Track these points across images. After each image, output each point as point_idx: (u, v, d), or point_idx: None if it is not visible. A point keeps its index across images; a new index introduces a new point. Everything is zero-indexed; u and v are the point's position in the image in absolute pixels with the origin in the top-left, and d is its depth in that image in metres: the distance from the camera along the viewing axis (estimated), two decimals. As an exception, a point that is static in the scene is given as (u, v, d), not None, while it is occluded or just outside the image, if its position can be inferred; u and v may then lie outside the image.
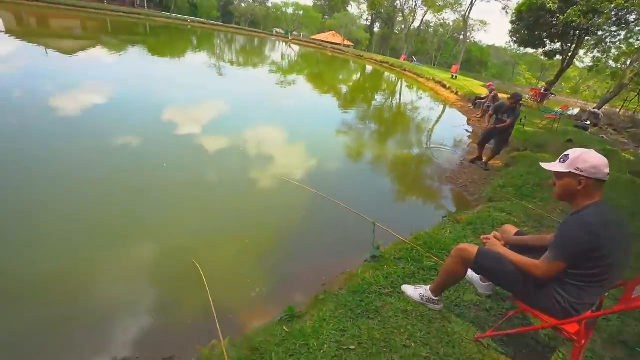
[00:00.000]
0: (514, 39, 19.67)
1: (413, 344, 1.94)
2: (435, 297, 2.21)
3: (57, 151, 4.42)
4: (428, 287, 2.27)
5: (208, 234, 3.35)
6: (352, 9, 59.96)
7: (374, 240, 2.87)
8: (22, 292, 2.49)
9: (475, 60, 56.16)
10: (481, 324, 2.17)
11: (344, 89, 16.13)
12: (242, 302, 2.59)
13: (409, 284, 2.43)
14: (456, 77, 23.28)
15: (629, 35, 16.33)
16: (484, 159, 6.35)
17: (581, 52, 19.49)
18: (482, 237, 2.13)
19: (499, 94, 10.54)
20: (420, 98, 17.22)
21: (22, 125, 5.06)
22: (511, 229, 2.19)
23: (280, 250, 3.23)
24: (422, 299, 2.25)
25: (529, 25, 17.51)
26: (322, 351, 1.84)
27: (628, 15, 14.60)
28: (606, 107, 18.41)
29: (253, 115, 7.61)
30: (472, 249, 1.94)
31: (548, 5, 15.46)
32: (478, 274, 2.26)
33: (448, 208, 4.62)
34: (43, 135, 4.82)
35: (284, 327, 2.05)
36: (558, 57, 19.12)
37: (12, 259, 2.76)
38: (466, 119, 11.66)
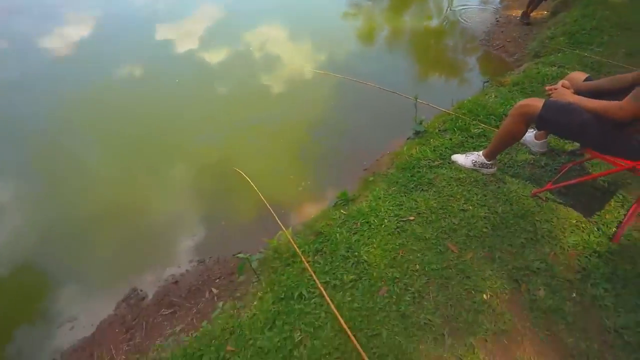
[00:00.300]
0: None
1: (470, 207, 1.96)
2: (489, 161, 2.14)
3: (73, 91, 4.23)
4: (480, 152, 2.18)
5: (242, 140, 3.32)
6: None
7: (416, 115, 2.71)
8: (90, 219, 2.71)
9: None
10: (537, 180, 2.13)
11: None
12: (293, 197, 2.68)
13: (459, 153, 2.35)
14: None
15: None
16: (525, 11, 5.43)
17: None
18: (546, 87, 1.90)
19: None
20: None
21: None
22: (580, 75, 1.93)
23: (317, 143, 3.19)
24: (474, 165, 2.19)
25: None
26: (383, 226, 1.92)
27: None
28: None
29: (252, 14, 6.70)
30: (537, 102, 1.75)
31: None
32: (542, 129, 2.12)
33: (488, 73, 4.20)
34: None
35: (342, 211, 2.12)
36: None
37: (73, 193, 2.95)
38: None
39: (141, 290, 2.37)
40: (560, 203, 1.96)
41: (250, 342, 1.49)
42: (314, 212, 2.42)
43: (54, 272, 2.46)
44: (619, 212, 1.89)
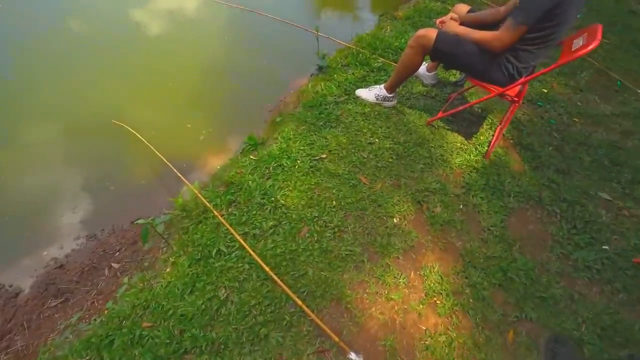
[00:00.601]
0: None
1: (377, 140, 2.06)
2: (390, 93, 2.23)
3: None
4: (382, 85, 2.24)
5: (122, 89, 2.70)
6: None
7: (319, 50, 2.58)
8: None
9: None
10: (430, 110, 2.33)
11: None
12: (194, 148, 2.37)
13: (362, 87, 2.38)
14: None
15: None
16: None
17: None
18: (437, 21, 1.98)
19: None
20: None
21: None
22: (463, 8, 2.05)
23: (214, 86, 2.81)
24: (377, 98, 2.26)
25: None
26: (296, 167, 1.87)
27: None
28: None
29: None
30: (431, 33, 1.81)
31: None
32: (436, 60, 2.25)
33: (383, 7, 4.22)
34: None
35: (251, 157, 1.98)
36: None
37: None
38: None
39: (11, 286, 1.89)
40: (448, 129, 2.21)
41: (170, 312, 1.35)
42: (220, 162, 2.20)
43: None
44: (489, 134, 2.23)
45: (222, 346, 1.25)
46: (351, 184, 1.80)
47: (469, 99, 2.47)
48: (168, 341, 1.27)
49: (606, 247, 1.66)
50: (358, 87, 2.38)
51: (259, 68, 3.02)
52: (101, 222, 2.08)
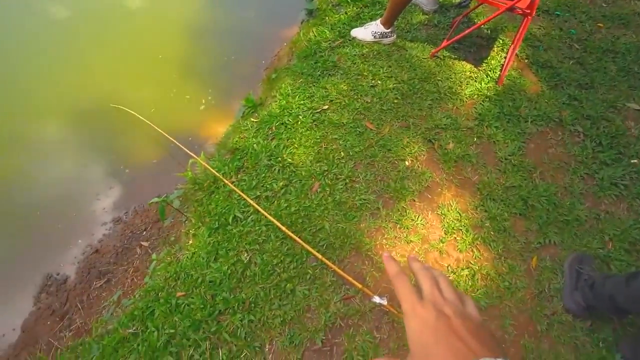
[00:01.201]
0: None
1: (379, 82, 1.94)
2: (387, 29, 2.05)
3: None
4: (378, 21, 2.06)
5: (111, 70, 2.61)
6: None
7: (304, -8, 2.37)
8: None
9: None
10: (433, 40, 2.15)
11: None
12: (196, 120, 2.33)
13: (357, 27, 2.20)
14: None
15: None
16: None
17: None
18: None
19: None
20: None
21: None
22: None
23: (203, 51, 2.68)
24: (374, 36, 2.09)
25: None
26: (299, 123, 1.81)
27: None
28: None
29: None
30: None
31: None
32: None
33: None
34: None
35: (252, 119, 1.92)
36: None
37: None
38: None
39: (58, 274, 2.04)
40: (455, 59, 2.04)
41: (199, 280, 1.42)
42: (223, 129, 2.17)
43: None
44: (500, 56, 2.05)
45: (253, 304, 1.32)
46: (357, 132, 1.74)
47: (475, 20, 2.25)
48: (202, 306, 1.35)
49: (635, 160, 1.56)
50: (353, 27, 2.20)
51: (246, 24, 2.83)
52: (124, 205, 2.15)
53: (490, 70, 1.97)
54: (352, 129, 1.75)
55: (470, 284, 1.30)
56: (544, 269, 1.33)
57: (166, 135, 2.05)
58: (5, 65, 2.67)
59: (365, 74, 1.97)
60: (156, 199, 1.58)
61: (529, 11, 1.67)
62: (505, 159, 1.63)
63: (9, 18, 2.92)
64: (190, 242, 1.57)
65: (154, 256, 1.69)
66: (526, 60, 2.01)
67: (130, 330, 1.37)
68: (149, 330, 1.35)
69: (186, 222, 1.77)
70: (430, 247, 1.40)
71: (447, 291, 0.34)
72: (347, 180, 1.58)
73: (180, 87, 2.49)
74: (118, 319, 1.46)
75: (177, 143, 2.01)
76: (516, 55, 2.00)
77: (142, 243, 2.06)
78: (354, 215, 1.49)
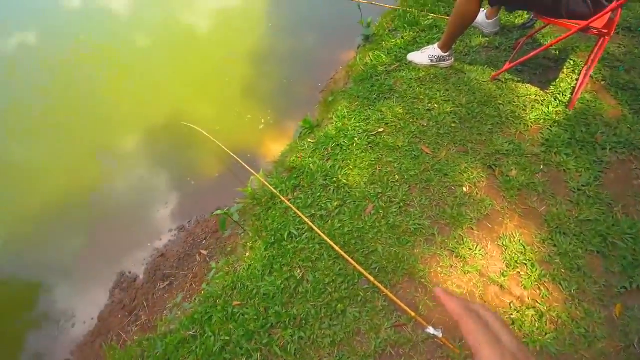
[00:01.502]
0: None
1: (436, 105, 1.92)
2: (445, 52, 2.04)
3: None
4: (435, 45, 2.06)
5: (182, 90, 2.93)
6: None
7: (362, 18, 2.46)
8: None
9: None
10: (494, 62, 2.09)
11: None
12: (255, 138, 2.50)
13: (413, 51, 2.22)
14: None
15: None
16: None
17: None
18: None
19: None
20: None
21: None
22: None
23: (264, 74, 2.89)
24: (431, 60, 2.09)
25: None
26: (354, 145, 1.86)
27: None
28: None
29: None
30: (489, -28, 1.59)
31: None
32: (495, 4, 1.99)
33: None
34: None
35: (309, 140, 2.01)
36: None
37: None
38: None
39: (130, 272, 2.28)
40: (518, 81, 1.96)
41: (254, 291, 1.49)
42: (281, 148, 2.29)
43: (35, 274, 2.29)
44: (571, 78, 1.93)
45: (304, 321, 1.35)
46: (413, 156, 1.73)
47: (541, 41, 2.15)
48: (256, 317, 1.41)
49: None
50: (409, 52, 2.23)
51: (304, 50, 3.01)
52: (187, 214, 2.35)
53: (559, 94, 1.86)
54: (408, 153, 1.75)
55: (537, 326, 1.20)
56: (632, 319, 1.18)
57: (228, 151, 2.22)
58: (93, 86, 3.11)
59: (421, 97, 1.97)
60: (219, 211, 1.71)
61: (606, 31, 1.56)
62: (579, 190, 1.51)
63: (98, 44, 3.40)
64: (247, 254, 1.66)
65: (213, 265, 1.81)
66: (603, 82, 1.86)
67: (190, 332, 1.48)
68: (206, 335, 1.44)
69: (243, 234, 1.88)
70: (490, 280, 1.33)
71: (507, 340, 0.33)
72: (402, 204, 1.57)
73: (242, 107, 2.69)
74: (180, 320, 1.58)
75: (239, 160, 2.16)
76: (590, 76, 1.87)
77: (202, 251, 2.22)
78: (408, 240, 1.47)
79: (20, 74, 3.31)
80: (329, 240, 1.50)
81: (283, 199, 1.72)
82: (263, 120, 2.54)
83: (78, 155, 2.71)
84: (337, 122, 2.00)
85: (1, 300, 2.27)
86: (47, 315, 2.18)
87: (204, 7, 3.71)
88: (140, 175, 2.62)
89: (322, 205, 1.66)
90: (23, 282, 2.33)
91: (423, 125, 1.84)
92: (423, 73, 2.09)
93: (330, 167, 1.79)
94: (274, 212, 1.75)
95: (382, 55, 2.29)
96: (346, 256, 1.45)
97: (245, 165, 2.06)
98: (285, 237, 1.60)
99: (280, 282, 1.47)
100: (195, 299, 1.69)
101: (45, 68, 3.32)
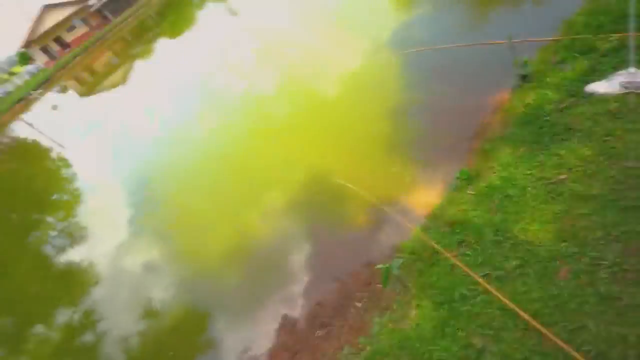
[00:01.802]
0: None
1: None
2: (646, 76, 1.66)
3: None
4: (631, 69, 1.71)
5: (328, 148, 3.32)
6: None
7: (515, 58, 2.29)
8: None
9: None
10: None
11: None
12: (404, 191, 2.53)
13: (594, 81, 1.89)
14: None
15: None
16: None
17: None
18: None
19: None
20: None
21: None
22: None
23: (407, 126, 2.98)
24: (626, 87, 1.73)
25: None
26: (528, 195, 1.64)
27: None
28: None
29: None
30: None
31: None
32: None
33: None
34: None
35: (468, 192, 1.90)
36: None
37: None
38: None
39: (290, 317, 2.52)
40: None
41: (425, 355, 1.40)
42: (434, 201, 2.22)
43: (209, 305, 2.81)
44: None
45: (494, 404, 1.16)
46: (619, 206, 1.39)
47: None
48: (433, 387, 1.29)
49: None
50: (587, 83, 1.91)
51: (446, 98, 2.98)
52: (343, 266, 2.48)
53: None
54: (610, 203, 1.42)
55: None
56: None
57: (382, 206, 2.30)
58: (255, 153, 3.82)
59: (617, 133, 1.62)
60: (382, 265, 1.74)
61: None
62: None
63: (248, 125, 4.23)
64: (414, 312, 1.60)
65: (375, 319, 1.80)
66: None
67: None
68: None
69: (402, 290, 1.83)
70: None
71: None
72: (615, 268, 1.24)
73: (388, 160, 2.80)
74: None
75: (395, 214, 2.20)
76: None
77: (356, 303, 2.26)
78: (636, 317, 1.13)
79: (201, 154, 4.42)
80: (514, 306, 1.30)
81: (448, 255, 1.63)
82: (411, 173, 2.56)
83: (247, 215, 3.31)
84: (501, 170, 1.83)
85: (181, 321, 2.83)
86: (222, 343, 2.56)
87: (341, 72, 4.22)
88: (297, 230, 2.97)
89: (497, 265, 1.48)
90: (199, 313, 2.84)
91: (628, 167, 1.48)
92: (614, 104, 1.74)
93: (501, 220, 1.61)
94: (438, 269, 1.66)
95: (547, 92, 2.04)
96: (542, 328, 1.21)
97: (403, 220, 2.08)
98: (456, 298, 1.48)
99: (456, 348, 1.34)
100: (360, 354, 1.70)
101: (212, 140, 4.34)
